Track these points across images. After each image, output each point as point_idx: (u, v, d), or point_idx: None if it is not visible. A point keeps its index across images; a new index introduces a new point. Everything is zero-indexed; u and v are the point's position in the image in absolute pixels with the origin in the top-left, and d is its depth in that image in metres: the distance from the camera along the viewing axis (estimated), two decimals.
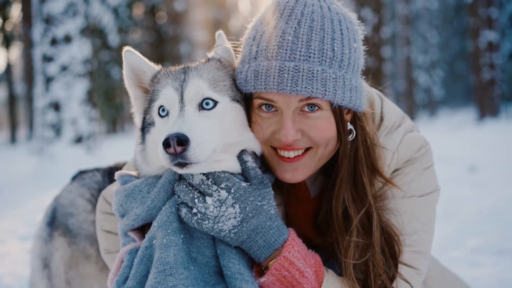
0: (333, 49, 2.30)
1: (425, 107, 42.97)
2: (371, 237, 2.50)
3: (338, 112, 2.41)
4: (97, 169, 3.32)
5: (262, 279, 2.29)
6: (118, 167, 3.20)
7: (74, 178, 3.33)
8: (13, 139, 36.08)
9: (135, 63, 2.51)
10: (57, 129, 13.49)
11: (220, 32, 2.60)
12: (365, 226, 2.52)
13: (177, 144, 2.06)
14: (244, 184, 2.28)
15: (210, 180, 2.27)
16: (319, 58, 2.28)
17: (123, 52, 2.49)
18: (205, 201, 2.23)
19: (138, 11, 35.66)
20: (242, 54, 2.51)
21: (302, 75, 2.26)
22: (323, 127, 2.41)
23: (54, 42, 13.54)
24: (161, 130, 2.27)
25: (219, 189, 2.24)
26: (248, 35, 2.49)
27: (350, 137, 2.52)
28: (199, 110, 2.28)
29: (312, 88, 2.27)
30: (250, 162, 2.36)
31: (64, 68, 13.48)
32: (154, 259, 2.18)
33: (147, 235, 2.26)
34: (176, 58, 30.88)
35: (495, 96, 25.73)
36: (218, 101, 2.32)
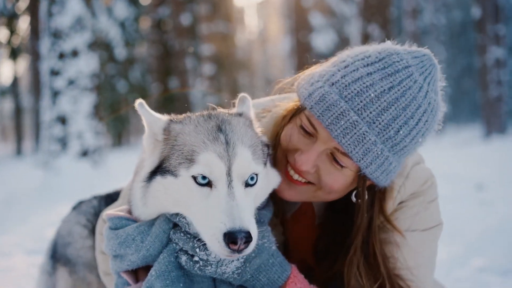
0: (398, 132, 2.25)
1: None
2: None
3: (362, 180, 2.40)
4: (95, 197, 3.33)
5: None
6: (117, 193, 3.21)
7: (74, 208, 3.34)
8: (19, 151, 36.14)
9: (145, 117, 2.33)
10: (63, 142, 13.49)
11: (244, 95, 2.49)
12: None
13: (244, 242, 1.98)
14: None
15: None
16: (380, 130, 2.23)
17: (136, 105, 2.32)
18: (206, 248, 2.15)
19: (145, 24, 35.82)
20: (325, 64, 2.47)
21: (355, 133, 2.23)
22: (336, 179, 2.40)
23: (61, 56, 13.54)
24: (197, 199, 2.12)
25: None
26: (346, 55, 2.42)
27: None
28: (245, 186, 2.16)
29: (354, 148, 2.24)
30: None
31: (71, 82, 13.47)
32: None
33: (145, 284, 2.22)
34: (182, 72, 30.93)
35: (502, 113, 25.65)
36: (258, 173, 2.21)
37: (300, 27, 27.36)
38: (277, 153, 2.56)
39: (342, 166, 2.36)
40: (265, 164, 2.30)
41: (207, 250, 2.15)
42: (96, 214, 3.13)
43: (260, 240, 2.24)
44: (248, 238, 1.97)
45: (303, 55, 27.17)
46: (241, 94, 2.46)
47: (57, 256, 3.12)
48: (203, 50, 30.30)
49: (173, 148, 2.18)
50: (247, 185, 2.16)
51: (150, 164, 2.28)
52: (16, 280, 5.86)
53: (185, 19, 30.28)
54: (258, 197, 2.28)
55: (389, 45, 2.41)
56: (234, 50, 35.91)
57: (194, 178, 2.11)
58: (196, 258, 2.18)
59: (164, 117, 2.34)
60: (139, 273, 2.38)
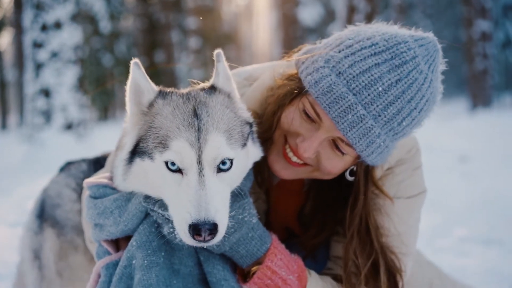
0: (401, 123, 2.25)
1: None
2: (376, 281, 2.52)
3: (361, 164, 2.44)
4: (84, 160, 3.30)
5: (244, 287, 2.29)
6: (105, 157, 3.18)
7: (62, 169, 3.31)
8: (3, 125, 35.94)
9: (138, 80, 2.22)
10: (47, 115, 13.41)
11: (219, 51, 2.27)
12: (370, 269, 2.53)
13: (208, 234, 1.95)
14: None
15: None
16: (384, 122, 2.23)
17: (131, 64, 2.21)
18: None
19: None
20: (328, 44, 2.40)
21: (361, 126, 2.22)
22: (336, 164, 2.41)
23: (44, 28, 13.42)
24: (169, 185, 2.08)
25: None
26: (353, 39, 2.32)
27: (351, 179, 2.55)
28: (217, 172, 2.09)
29: (359, 140, 2.25)
30: None
31: (54, 55, 13.37)
32: (135, 281, 2.15)
33: (126, 254, 2.21)
34: (167, 45, 30.73)
35: (487, 86, 25.74)
36: (233, 158, 2.13)
37: (286, 0, 27.21)
38: (275, 133, 2.53)
39: (343, 154, 2.36)
40: (244, 144, 2.22)
41: None
42: (85, 179, 3.10)
43: (240, 214, 2.23)
44: (212, 230, 1.95)
45: (289, 28, 27.07)
46: (216, 51, 2.28)
47: (45, 216, 3.09)
48: (188, 23, 30.02)
49: (150, 130, 2.14)
50: (220, 170, 2.10)
51: (129, 142, 2.23)
52: None
53: None
54: (236, 176, 2.23)
55: (395, 30, 2.36)
56: (220, 23, 35.64)
57: (166, 163, 2.08)
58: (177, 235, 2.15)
59: (155, 88, 2.26)
60: (120, 241, 2.37)
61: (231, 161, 2.12)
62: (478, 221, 6.61)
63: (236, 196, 2.25)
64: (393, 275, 2.53)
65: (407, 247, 2.61)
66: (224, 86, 2.29)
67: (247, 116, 2.34)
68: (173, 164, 2.06)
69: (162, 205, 2.16)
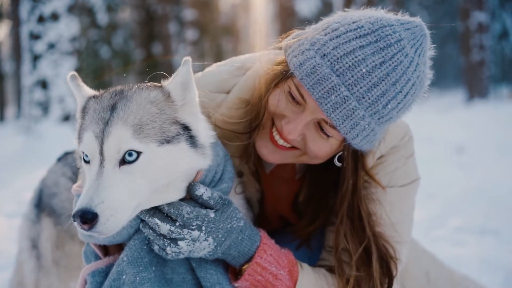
0: (386, 106, 2.23)
1: None
2: (369, 267, 2.51)
3: (347, 148, 2.42)
4: None
5: (237, 285, 2.31)
6: None
7: (59, 159, 3.32)
8: (1, 117, 35.84)
9: (74, 92, 2.25)
10: (45, 107, 13.42)
11: (188, 59, 2.14)
12: (362, 256, 2.53)
13: (82, 223, 1.88)
14: (212, 214, 2.16)
15: (178, 225, 2.11)
16: (368, 104, 2.21)
17: (67, 78, 2.25)
18: (177, 244, 2.12)
19: None
20: (315, 28, 2.41)
21: (344, 108, 2.21)
22: (322, 147, 2.40)
23: (41, 19, 13.43)
24: (84, 178, 2.10)
25: (190, 231, 2.11)
26: (338, 22, 2.32)
27: (339, 164, 2.53)
28: (120, 165, 2.00)
29: (342, 122, 2.23)
30: (205, 194, 2.18)
31: (51, 46, 13.39)
32: None
33: (116, 268, 2.19)
34: (165, 37, 30.63)
35: (484, 78, 25.69)
36: (141, 151, 2.02)
37: None
38: (264, 117, 2.52)
39: (328, 136, 2.36)
40: (167, 142, 2.08)
41: (178, 245, 2.12)
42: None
43: (229, 224, 2.21)
44: (90, 219, 1.87)
45: (287, 20, 27.02)
46: (185, 59, 2.15)
47: (42, 205, 3.11)
48: (186, 15, 29.95)
49: (79, 131, 2.15)
50: (126, 162, 2.01)
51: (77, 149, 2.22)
52: None
53: None
54: (157, 172, 2.08)
55: (382, 14, 2.35)
56: (218, 15, 35.56)
57: (83, 158, 2.06)
58: (168, 251, 2.15)
59: (86, 94, 2.24)
60: (109, 246, 2.37)
61: (138, 153, 2.02)
62: (474, 211, 6.64)
63: (222, 206, 2.21)
64: (386, 262, 2.54)
65: (402, 236, 2.61)
66: (172, 87, 2.17)
67: (190, 121, 2.19)
68: (87, 156, 2.04)
69: (153, 213, 2.15)
